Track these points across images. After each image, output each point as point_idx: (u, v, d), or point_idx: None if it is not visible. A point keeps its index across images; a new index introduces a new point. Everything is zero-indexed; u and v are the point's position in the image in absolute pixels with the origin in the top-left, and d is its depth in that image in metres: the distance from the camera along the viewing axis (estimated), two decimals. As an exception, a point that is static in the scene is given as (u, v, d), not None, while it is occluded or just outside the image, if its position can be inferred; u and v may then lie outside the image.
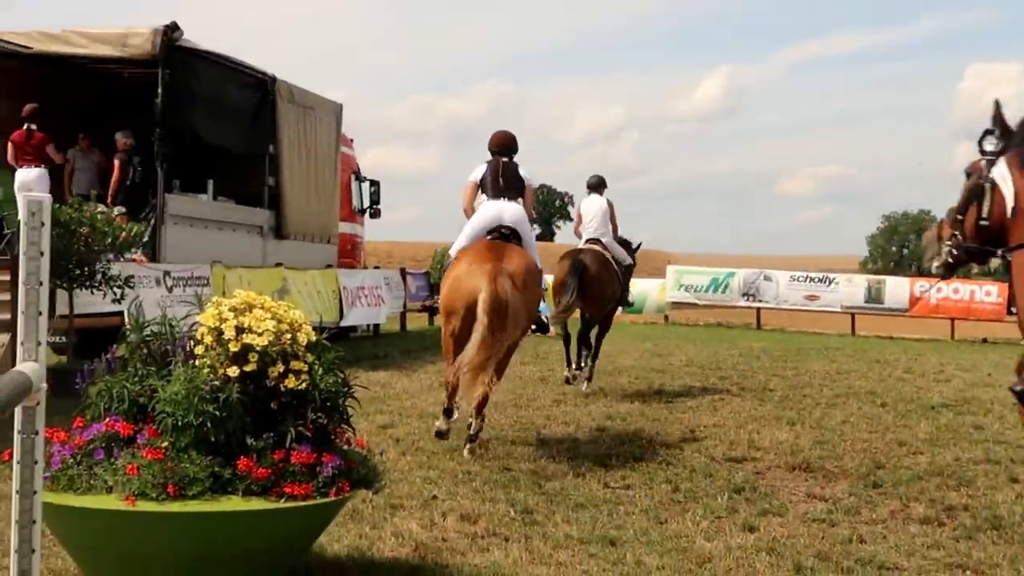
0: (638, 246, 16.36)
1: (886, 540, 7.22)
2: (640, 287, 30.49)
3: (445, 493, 8.20)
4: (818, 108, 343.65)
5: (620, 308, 17.44)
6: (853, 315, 34.11)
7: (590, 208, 15.17)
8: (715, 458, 9.96)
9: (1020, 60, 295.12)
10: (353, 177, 25.17)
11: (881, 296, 33.36)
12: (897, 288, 34.09)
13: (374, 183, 26.13)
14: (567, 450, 10.11)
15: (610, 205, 15.26)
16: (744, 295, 34.74)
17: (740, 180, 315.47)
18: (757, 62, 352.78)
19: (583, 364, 14.70)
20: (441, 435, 10.04)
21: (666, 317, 34.96)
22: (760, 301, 34.78)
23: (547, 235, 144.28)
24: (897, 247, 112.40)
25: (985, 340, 32.85)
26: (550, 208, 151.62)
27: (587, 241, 14.89)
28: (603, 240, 14.89)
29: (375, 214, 26.26)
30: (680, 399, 13.99)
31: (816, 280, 35.31)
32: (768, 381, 16.44)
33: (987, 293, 34.15)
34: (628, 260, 15.58)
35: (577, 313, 14.46)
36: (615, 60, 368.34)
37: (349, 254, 24.40)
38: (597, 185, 15.28)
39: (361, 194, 25.73)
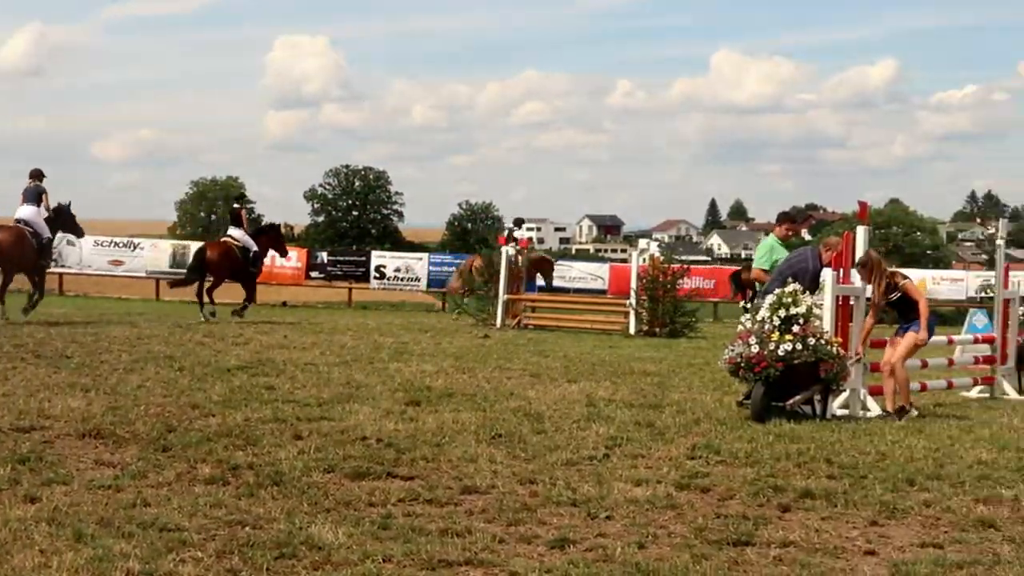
0: None
1: (171, 502, 7.33)
2: None
3: None
4: (133, 70, 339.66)
5: None
6: (157, 280, 34.20)
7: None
8: (1, 429, 9.62)
9: (325, 34, 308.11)
10: None
11: (186, 261, 33.74)
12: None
13: None
14: None
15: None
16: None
17: (53, 142, 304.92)
18: (71, 21, 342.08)
19: None
20: None
21: None
22: (63, 266, 33.96)
23: None
24: (206, 213, 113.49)
25: (285, 303, 34.20)
26: None
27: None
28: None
29: None
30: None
31: (121, 245, 35.14)
32: (66, 348, 16.09)
33: (288, 259, 35.55)
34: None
35: None
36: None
37: None
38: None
39: None
